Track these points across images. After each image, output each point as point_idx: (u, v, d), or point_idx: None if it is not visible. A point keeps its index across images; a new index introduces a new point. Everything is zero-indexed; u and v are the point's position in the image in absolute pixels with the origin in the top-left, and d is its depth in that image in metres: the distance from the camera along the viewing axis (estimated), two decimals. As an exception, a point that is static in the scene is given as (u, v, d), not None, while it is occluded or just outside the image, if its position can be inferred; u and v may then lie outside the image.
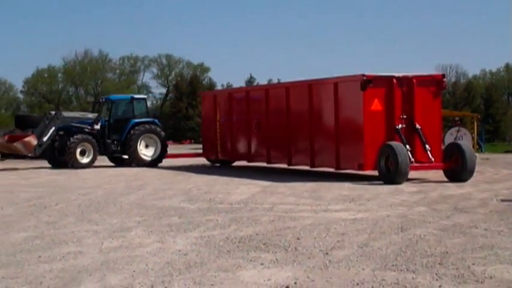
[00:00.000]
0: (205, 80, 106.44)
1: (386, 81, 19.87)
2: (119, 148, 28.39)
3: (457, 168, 19.24)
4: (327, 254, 8.81)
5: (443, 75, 21.34)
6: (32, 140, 26.00)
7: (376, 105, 19.62)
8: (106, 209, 13.69)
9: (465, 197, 15.29)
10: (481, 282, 7.19)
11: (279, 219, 11.93)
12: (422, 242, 9.54)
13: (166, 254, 8.93)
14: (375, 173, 20.04)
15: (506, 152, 48.74)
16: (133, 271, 7.89)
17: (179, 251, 9.13)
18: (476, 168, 24.17)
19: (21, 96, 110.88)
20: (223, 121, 27.66)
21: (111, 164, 29.85)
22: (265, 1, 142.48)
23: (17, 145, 25.78)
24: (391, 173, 18.62)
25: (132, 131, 28.02)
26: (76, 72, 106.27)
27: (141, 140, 28.01)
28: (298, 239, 9.92)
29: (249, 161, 26.35)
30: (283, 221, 11.64)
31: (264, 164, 25.92)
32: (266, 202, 14.57)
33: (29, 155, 26.98)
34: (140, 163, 27.83)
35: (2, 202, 15.00)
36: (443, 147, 21.90)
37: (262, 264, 8.24)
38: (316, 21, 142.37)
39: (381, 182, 18.95)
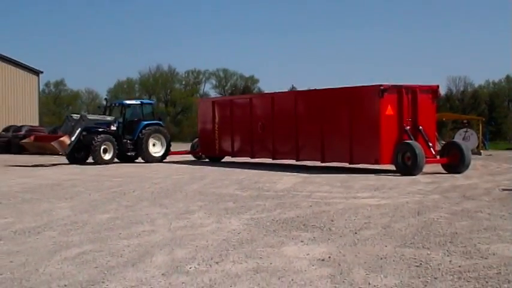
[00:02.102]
0: (255, 89, 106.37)
1: (397, 90, 19.98)
2: (131, 147, 27.14)
3: (456, 163, 19.49)
4: (355, 233, 8.78)
5: (438, 86, 21.30)
6: (66, 140, 24.60)
7: (389, 110, 19.78)
8: (174, 195, 13.79)
9: (472, 187, 15.13)
10: (485, 258, 7.11)
11: (316, 204, 11.91)
12: (435, 224, 9.45)
13: (223, 232, 8.97)
14: (385, 166, 20.19)
15: (507, 149, 48.13)
16: (196, 246, 7.94)
17: (233, 230, 9.16)
18: (481, 163, 24.00)
19: (105, 102, 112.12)
20: (223, 123, 27.04)
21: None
22: (307, 23, 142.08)
23: (54, 144, 24.16)
24: (409, 167, 18.63)
25: (142, 131, 26.97)
26: (149, 83, 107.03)
27: (150, 139, 27.10)
28: (332, 220, 9.90)
29: (252, 157, 25.69)
30: (320, 206, 11.62)
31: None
32: (305, 190, 14.55)
33: (60, 153, 25.18)
34: (150, 159, 26.82)
35: (90, 189, 15.20)
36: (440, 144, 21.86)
37: (302, 241, 8.24)
38: (347, 37, 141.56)
39: (400, 174, 18.85)
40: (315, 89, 24.54)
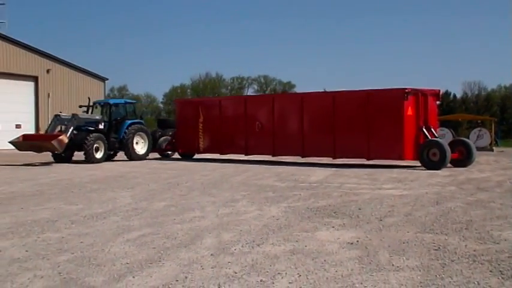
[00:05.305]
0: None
1: (414, 93, 19.78)
2: (117, 145, 24.82)
3: (463, 158, 19.43)
4: (380, 220, 8.71)
5: (440, 90, 21.05)
6: (65, 138, 22.20)
7: (410, 111, 19.57)
8: (221, 186, 13.84)
9: (485, 180, 14.87)
10: (498, 243, 6.99)
11: (346, 194, 11.84)
12: (452, 213, 9.32)
13: (264, 218, 8.97)
14: (395, 162, 19.99)
15: (517, 146, 47.25)
16: (240, 230, 7.96)
17: (273, 216, 9.16)
18: (494, 158, 23.60)
19: (161, 105, 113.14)
20: (210, 122, 25.28)
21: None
22: (337, 34, 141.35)
23: (54, 143, 21.69)
24: (435, 162, 18.48)
25: (127, 130, 24.77)
26: (200, 88, 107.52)
27: (134, 138, 24.92)
28: (360, 209, 9.83)
29: (246, 154, 24.22)
30: (348, 196, 11.55)
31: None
32: (336, 182, 14.47)
33: (57, 151, 22.69)
34: (134, 157, 24.65)
35: (149, 181, 15.35)
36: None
37: (333, 227, 8.20)
38: (373, 46, 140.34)
39: (421, 168, 18.66)
40: (325, 91, 23.64)
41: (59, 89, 40.05)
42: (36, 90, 38.91)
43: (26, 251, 6.86)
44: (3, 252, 6.81)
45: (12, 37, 37.80)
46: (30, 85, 38.67)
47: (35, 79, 38.79)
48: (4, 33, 39.65)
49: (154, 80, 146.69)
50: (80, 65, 42.39)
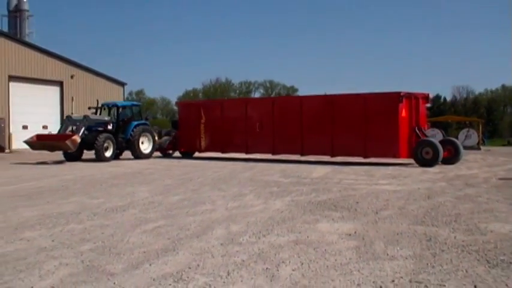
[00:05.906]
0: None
1: (408, 97, 19.70)
2: (125, 145, 24.18)
3: (451, 156, 19.36)
4: (376, 213, 8.70)
5: (429, 94, 20.99)
6: (77, 138, 21.62)
7: (404, 113, 19.49)
8: (230, 181, 13.84)
9: (473, 176, 14.83)
10: (484, 235, 6.98)
11: (344, 189, 11.83)
12: (442, 207, 9.30)
13: (269, 211, 8.97)
14: (392, 160, 19.91)
15: (503, 145, 47.13)
16: (248, 222, 7.96)
17: (277, 209, 9.16)
18: (481, 157, 23.52)
19: (175, 107, 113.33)
20: (211, 123, 24.79)
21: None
22: (335, 41, 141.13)
23: (68, 142, 21.16)
24: (428, 160, 18.49)
25: (134, 131, 24.19)
26: (210, 92, 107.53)
27: (139, 138, 24.31)
28: (357, 202, 9.82)
29: (246, 153, 23.74)
30: (347, 191, 11.54)
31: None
32: (335, 178, 14.46)
33: (70, 150, 21.91)
34: (141, 156, 24.06)
35: (164, 177, 15.37)
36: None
37: (332, 219, 8.20)
38: (372, 53, 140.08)
39: (414, 165, 18.61)
40: (325, 95, 23.39)
41: (81, 93, 40.12)
42: (62, 94, 38.99)
43: (52, 240, 6.89)
44: (32, 241, 6.85)
45: (40, 45, 37.96)
46: (55, 89, 38.76)
47: (60, 84, 38.86)
48: (33, 42, 39.76)
49: (168, 84, 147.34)
50: (101, 71, 42.47)
